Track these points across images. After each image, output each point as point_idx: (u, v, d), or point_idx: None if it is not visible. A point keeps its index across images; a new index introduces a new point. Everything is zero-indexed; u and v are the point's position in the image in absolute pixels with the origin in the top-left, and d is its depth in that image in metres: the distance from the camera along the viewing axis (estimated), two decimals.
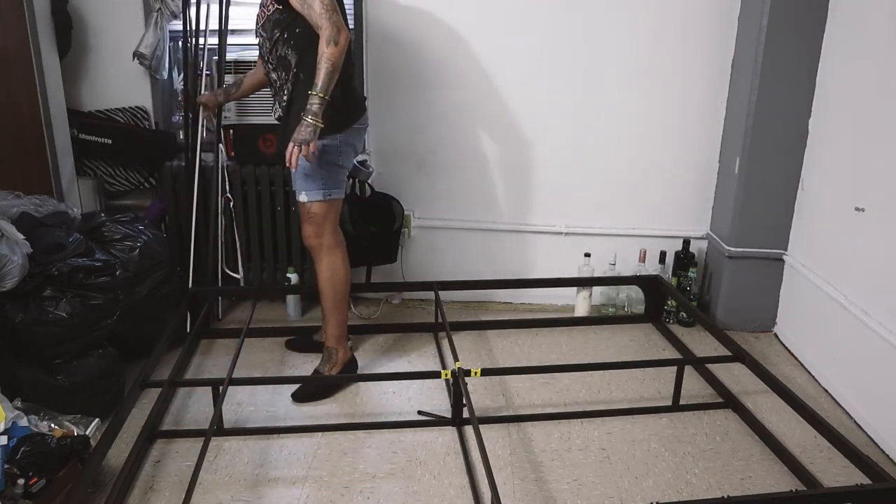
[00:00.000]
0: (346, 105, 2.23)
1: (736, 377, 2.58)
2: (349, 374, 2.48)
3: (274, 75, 2.27)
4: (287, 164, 2.06)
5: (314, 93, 2.02)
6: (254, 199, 3.00)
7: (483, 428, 1.97)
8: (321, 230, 2.30)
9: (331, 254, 2.34)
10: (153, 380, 2.26)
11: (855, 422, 2.34)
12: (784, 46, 2.68)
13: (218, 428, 2.14)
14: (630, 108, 3.02)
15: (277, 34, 2.18)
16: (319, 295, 2.45)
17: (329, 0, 2.02)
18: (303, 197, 2.27)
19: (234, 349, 2.40)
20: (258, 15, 2.27)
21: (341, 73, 2.07)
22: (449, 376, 2.23)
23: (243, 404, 2.37)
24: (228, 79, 2.81)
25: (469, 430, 2.19)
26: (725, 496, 1.68)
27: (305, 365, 2.63)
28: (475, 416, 1.99)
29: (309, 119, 2.03)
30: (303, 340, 2.75)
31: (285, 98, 2.25)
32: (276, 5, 2.14)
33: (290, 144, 2.04)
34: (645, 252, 3.12)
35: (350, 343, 2.56)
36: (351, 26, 2.97)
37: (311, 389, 2.40)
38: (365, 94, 2.94)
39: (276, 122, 2.37)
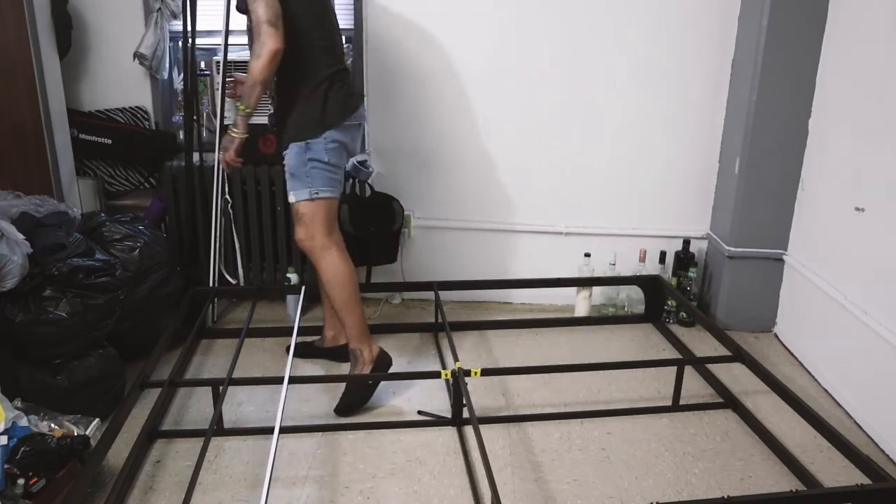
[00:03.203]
0: (327, 104, 2.20)
1: (736, 377, 2.58)
2: (379, 374, 2.39)
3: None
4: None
5: (240, 106, 2.14)
6: (254, 199, 3.00)
7: (483, 428, 1.97)
8: (311, 231, 2.26)
9: (327, 254, 2.28)
10: (153, 380, 2.25)
11: (855, 422, 2.34)
12: (784, 46, 2.68)
13: (218, 428, 2.14)
14: (630, 107, 3.02)
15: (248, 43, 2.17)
16: (325, 298, 2.42)
17: (269, 7, 2.01)
18: (291, 197, 2.26)
19: (234, 349, 2.40)
20: None
21: (317, 74, 2.16)
22: (449, 376, 2.23)
23: (243, 404, 2.37)
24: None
25: (469, 430, 2.19)
26: (725, 496, 1.68)
27: (304, 365, 2.64)
28: (475, 416, 1.99)
29: (231, 129, 2.19)
30: (306, 348, 2.68)
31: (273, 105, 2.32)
32: (245, 14, 2.14)
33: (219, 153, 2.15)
34: (645, 252, 3.12)
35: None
36: (351, 25, 2.97)
37: (352, 399, 2.33)
38: (362, 91, 2.94)
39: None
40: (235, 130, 2.20)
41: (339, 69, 2.26)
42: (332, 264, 2.30)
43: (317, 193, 2.23)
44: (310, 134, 2.19)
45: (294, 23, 2.10)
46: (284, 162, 2.26)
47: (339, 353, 2.60)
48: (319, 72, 2.18)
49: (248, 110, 2.15)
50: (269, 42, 2.02)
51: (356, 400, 2.34)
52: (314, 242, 2.27)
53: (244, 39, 3.01)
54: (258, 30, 2.02)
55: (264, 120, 2.99)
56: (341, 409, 2.32)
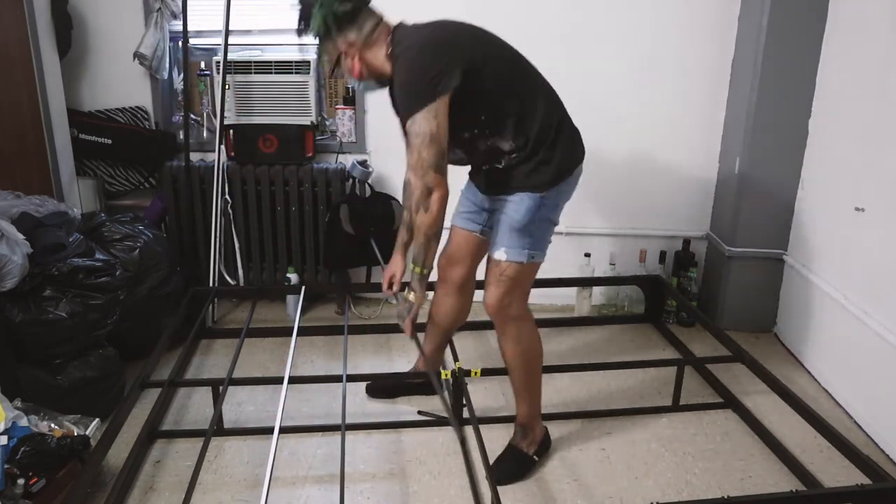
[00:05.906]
0: (564, 154, 1.87)
1: (736, 377, 2.58)
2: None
3: (486, 166, 1.95)
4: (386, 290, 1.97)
5: (414, 267, 1.82)
6: (254, 199, 3.00)
7: (483, 428, 1.97)
8: (512, 297, 1.91)
9: (523, 325, 1.97)
10: (153, 380, 2.25)
11: (855, 422, 2.34)
12: (784, 46, 2.68)
13: (218, 428, 2.14)
14: (630, 107, 3.02)
15: (468, 135, 1.83)
16: (436, 332, 2.29)
17: (432, 146, 1.67)
18: (500, 254, 1.88)
19: (234, 349, 2.40)
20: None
21: (552, 122, 1.84)
22: (449, 376, 2.23)
23: (243, 404, 2.37)
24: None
25: (469, 430, 2.19)
26: (725, 496, 1.68)
27: (305, 366, 2.64)
28: (475, 416, 1.99)
29: (408, 296, 1.88)
30: (388, 385, 2.42)
31: (511, 161, 1.88)
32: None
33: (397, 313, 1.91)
34: (645, 252, 3.12)
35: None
36: None
37: (513, 469, 2.04)
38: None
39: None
40: (412, 296, 1.87)
41: (563, 113, 1.93)
42: (528, 338, 1.99)
43: (533, 257, 1.90)
44: (546, 185, 1.85)
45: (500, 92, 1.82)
46: (503, 209, 1.89)
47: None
48: (552, 116, 1.87)
49: (425, 271, 1.84)
50: (437, 191, 1.72)
51: (518, 472, 2.06)
52: (510, 311, 1.93)
53: (244, 39, 3.05)
54: (417, 173, 1.71)
55: (265, 120, 3.00)
56: (503, 480, 1.99)
